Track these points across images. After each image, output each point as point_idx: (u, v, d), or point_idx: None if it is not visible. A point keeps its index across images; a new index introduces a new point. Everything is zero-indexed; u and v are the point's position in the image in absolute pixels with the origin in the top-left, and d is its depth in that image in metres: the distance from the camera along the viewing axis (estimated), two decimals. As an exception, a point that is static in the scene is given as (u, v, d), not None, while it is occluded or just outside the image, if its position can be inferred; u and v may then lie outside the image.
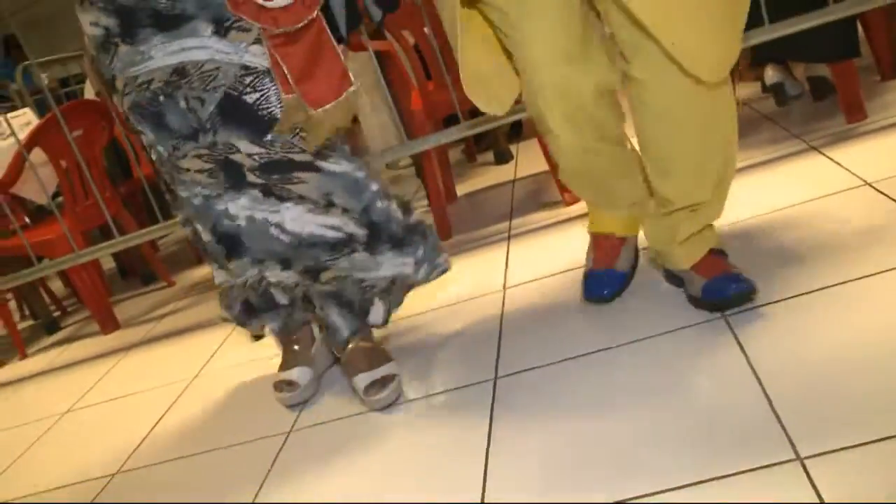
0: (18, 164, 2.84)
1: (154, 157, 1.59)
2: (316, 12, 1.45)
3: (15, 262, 3.03)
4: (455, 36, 1.48)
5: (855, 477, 0.98)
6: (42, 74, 5.14)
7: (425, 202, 3.15)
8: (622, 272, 1.67)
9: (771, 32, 2.17)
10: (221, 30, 1.43)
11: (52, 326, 3.27)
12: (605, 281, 1.67)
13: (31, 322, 3.53)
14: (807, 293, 1.45)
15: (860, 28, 2.64)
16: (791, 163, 2.17)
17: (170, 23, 1.42)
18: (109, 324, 2.94)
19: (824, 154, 2.13)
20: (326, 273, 1.60)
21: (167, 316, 2.88)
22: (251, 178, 1.52)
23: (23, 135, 2.86)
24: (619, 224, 1.69)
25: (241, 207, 1.55)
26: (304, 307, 1.72)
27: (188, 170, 1.53)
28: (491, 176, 3.35)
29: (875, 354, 1.20)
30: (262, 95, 1.46)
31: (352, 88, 1.50)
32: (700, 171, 1.49)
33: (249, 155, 1.50)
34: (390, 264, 1.63)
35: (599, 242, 1.71)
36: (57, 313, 3.51)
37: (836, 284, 1.44)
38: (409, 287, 1.72)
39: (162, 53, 1.44)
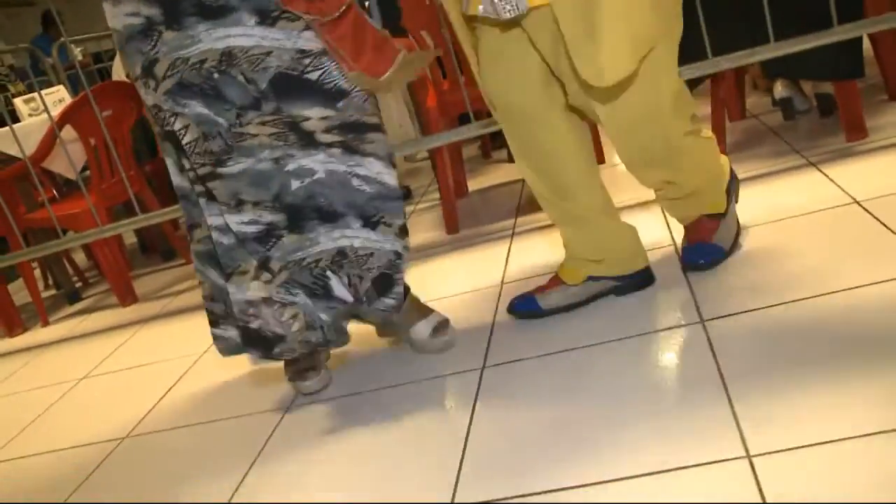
0: (50, 140, 2.97)
1: (192, 135, 1.57)
2: None
3: (42, 233, 3.17)
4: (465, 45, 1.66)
5: (800, 476, 1.06)
6: (76, 49, 5.29)
7: (437, 195, 3.24)
8: (538, 302, 1.80)
9: (775, 50, 2.23)
10: (267, 20, 1.53)
11: (73, 296, 3.40)
12: (523, 302, 1.82)
13: (53, 291, 3.67)
14: (782, 304, 1.53)
15: (871, 47, 2.69)
16: (787, 177, 2.24)
17: (213, 13, 1.52)
18: (128, 297, 3.07)
19: (820, 170, 2.19)
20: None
21: (183, 292, 2.99)
22: (326, 138, 1.61)
23: (55, 111, 2.99)
24: (563, 268, 1.82)
25: (319, 161, 1.63)
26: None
27: (256, 134, 1.60)
28: (503, 173, 3.43)
29: (838, 364, 1.28)
30: (323, 72, 1.56)
31: (400, 54, 1.61)
32: (651, 161, 1.64)
33: (324, 118, 1.59)
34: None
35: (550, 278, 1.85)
36: (79, 284, 3.65)
37: (810, 297, 1.52)
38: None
39: (209, 38, 1.53)
